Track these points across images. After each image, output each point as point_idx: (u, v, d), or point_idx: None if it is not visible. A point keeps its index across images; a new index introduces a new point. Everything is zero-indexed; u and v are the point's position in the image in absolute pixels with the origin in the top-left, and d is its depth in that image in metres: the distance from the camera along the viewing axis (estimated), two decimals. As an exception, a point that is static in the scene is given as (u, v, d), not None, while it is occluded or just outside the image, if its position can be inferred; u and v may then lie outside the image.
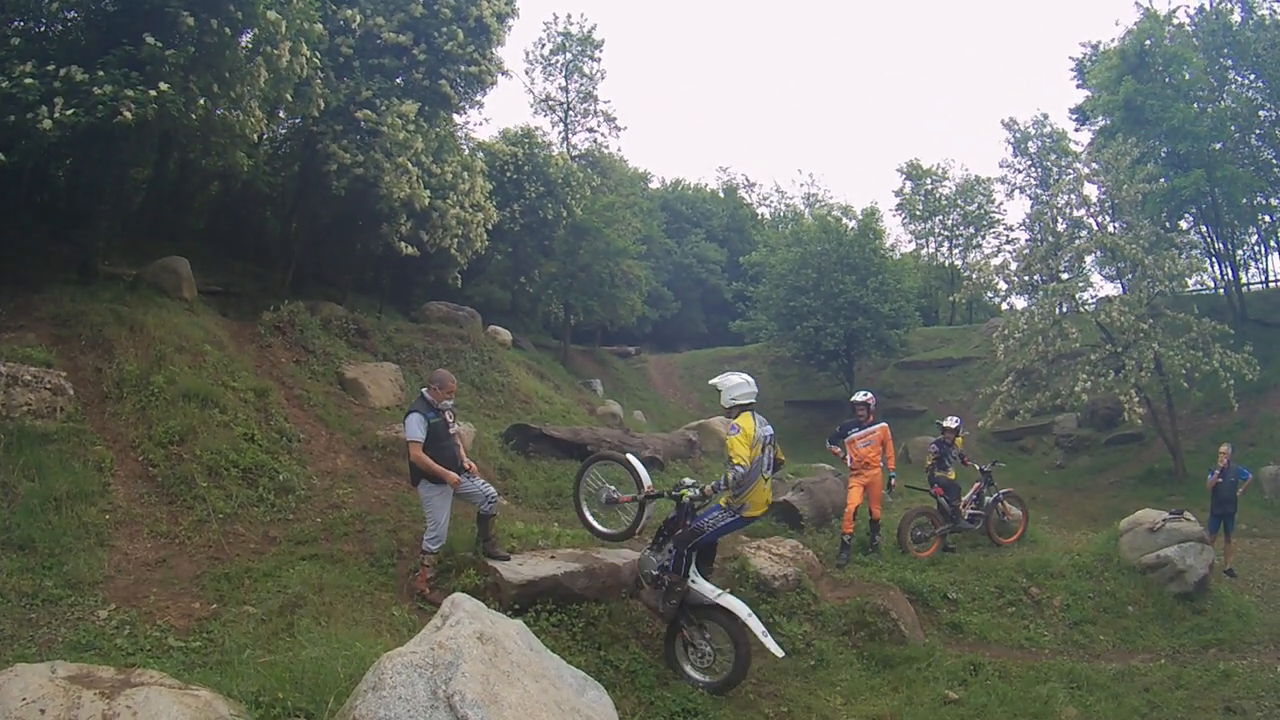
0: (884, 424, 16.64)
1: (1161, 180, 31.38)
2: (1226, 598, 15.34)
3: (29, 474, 12.05)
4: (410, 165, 23.80)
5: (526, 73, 51.63)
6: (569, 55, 48.96)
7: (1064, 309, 29.19)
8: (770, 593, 13.09)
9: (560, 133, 48.89)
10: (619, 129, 49.95)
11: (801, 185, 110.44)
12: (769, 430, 11.42)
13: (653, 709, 10.10)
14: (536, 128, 39.42)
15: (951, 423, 18.61)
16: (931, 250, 55.99)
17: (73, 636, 9.39)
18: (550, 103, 49.43)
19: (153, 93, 15.11)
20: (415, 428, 11.59)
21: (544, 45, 49.68)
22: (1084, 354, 28.16)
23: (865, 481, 16.04)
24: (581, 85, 49.27)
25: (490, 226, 29.28)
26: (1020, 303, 36.04)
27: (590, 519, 12.65)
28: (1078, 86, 42.05)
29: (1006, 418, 29.37)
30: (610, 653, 10.89)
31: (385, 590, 11.55)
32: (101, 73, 15.07)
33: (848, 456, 16.32)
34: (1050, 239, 30.96)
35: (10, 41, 15.57)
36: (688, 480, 11.87)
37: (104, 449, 13.34)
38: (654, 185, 61.46)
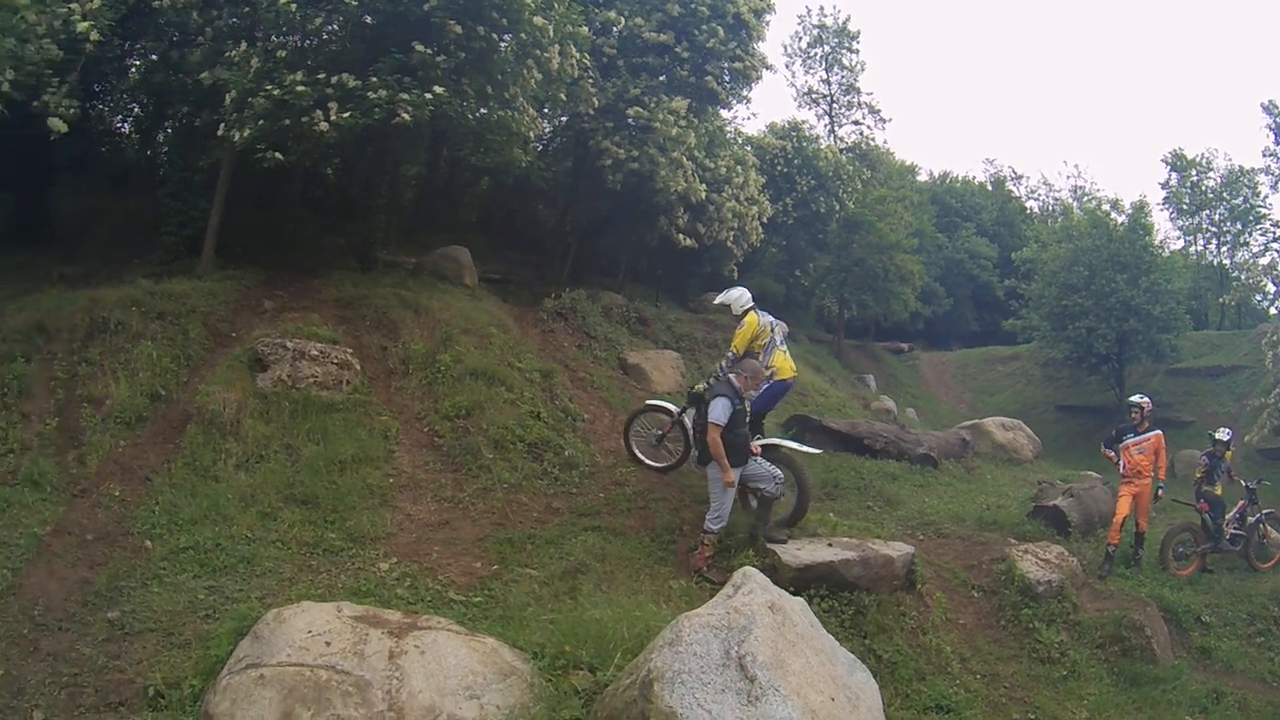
0: (1159, 432, 15.48)
1: None
2: None
3: (314, 439, 12.86)
4: (684, 160, 23.56)
5: (786, 66, 49.04)
6: (827, 47, 47.24)
7: None
8: (1033, 597, 12.54)
9: (826, 126, 47.38)
10: (884, 121, 48.28)
11: (1068, 177, 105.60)
12: (771, 318, 13.17)
13: (909, 701, 9.91)
14: (803, 121, 38.59)
15: (1224, 435, 16.67)
16: (1200, 247, 51.20)
17: (353, 584, 9.74)
18: (813, 96, 47.87)
19: (428, 96, 15.50)
20: (721, 411, 11.25)
21: (800, 38, 48.03)
22: None
23: (1135, 491, 14.98)
24: (843, 78, 47.48)
25: (764, 220, 28.48)
26: None
27: (645, 459, 13.64)
28: None
29: (1273, 433, 26.20)
30: (875, 642, 10.62)
31: (664, 564, 11.45)
32: (375, 79, 15.59)
33: (1121, 462, 15.25)
34: None
35: (277, 54, 16.34)
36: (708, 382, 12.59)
37: (389, 419, 13.92)
38: (922, 178, 58.76)
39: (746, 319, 12.74)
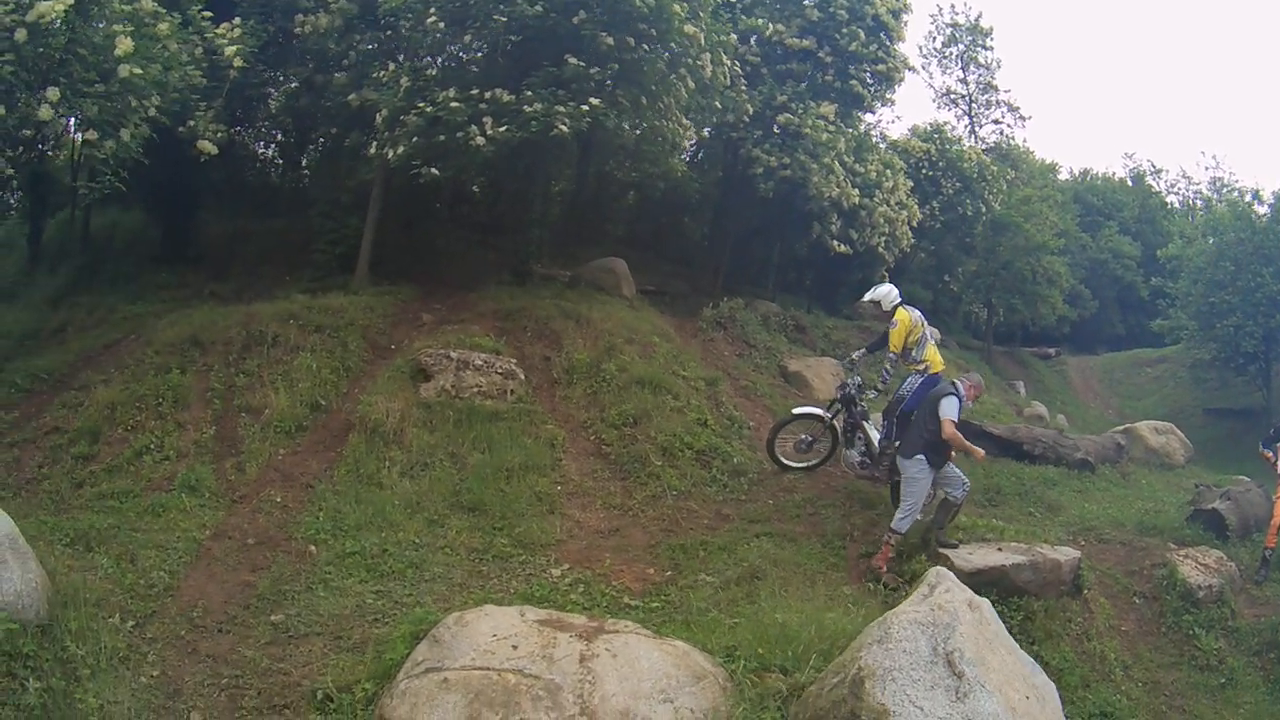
0: None
1: None
2: None
3: (479, 447, 12.65)
4: (835, 165, 22.85)
5: (923, 67, 47.46)
6: (961, 46, 45.90)
7: None
8: (1194, 603, 12.17)
9: (966, 126, 46.21)
10: (1024, 119, 47.11)
11: (1206, 169, 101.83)
12: (919, 312, 12.85)
13: (1075, 708, 9.61)
14: (944, 122, 37.69)
15: None
16: None
17: (525, 590, 9.42)
18: (951, 96, 46.76)
19: (584, 108, 15.36)
20: (954, 409, 11.12)
21: (935, 38, 46.79)
22: None
23: None
24: (979, 76, 46.20)
25: (914, 224, 27.42)
26: None
27: (790, 463, 13.61)
28: None
29: None
30: (1043, 648, 10.25)
31: (836, 570, 11.10)
32: (530, 93, 15.43)
33: (1278, 463, 14.35)
34: None
35: (426, 73, 16.72)
36: (849, 383, 13.01)
37: (555, 428, 13.72)
38: (1063, 176, 56.09)
39: (898, 315, 12.55)
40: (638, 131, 17.65)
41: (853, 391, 12.80)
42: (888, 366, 12.62)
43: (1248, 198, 36.42)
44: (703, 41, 17.01)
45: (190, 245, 20.72)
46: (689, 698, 6.63)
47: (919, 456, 11.02)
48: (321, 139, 21.13)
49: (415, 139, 15.46)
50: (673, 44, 16.56)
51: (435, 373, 13.75)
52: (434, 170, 15.57)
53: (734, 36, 19.68)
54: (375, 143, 16.30)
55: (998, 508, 14.77)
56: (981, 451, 11.41)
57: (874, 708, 5.86)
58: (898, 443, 11.89)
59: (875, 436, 12.68)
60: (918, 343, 12.53)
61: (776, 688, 6.89)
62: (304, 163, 23.54)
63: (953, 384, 11.46)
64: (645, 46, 16.21)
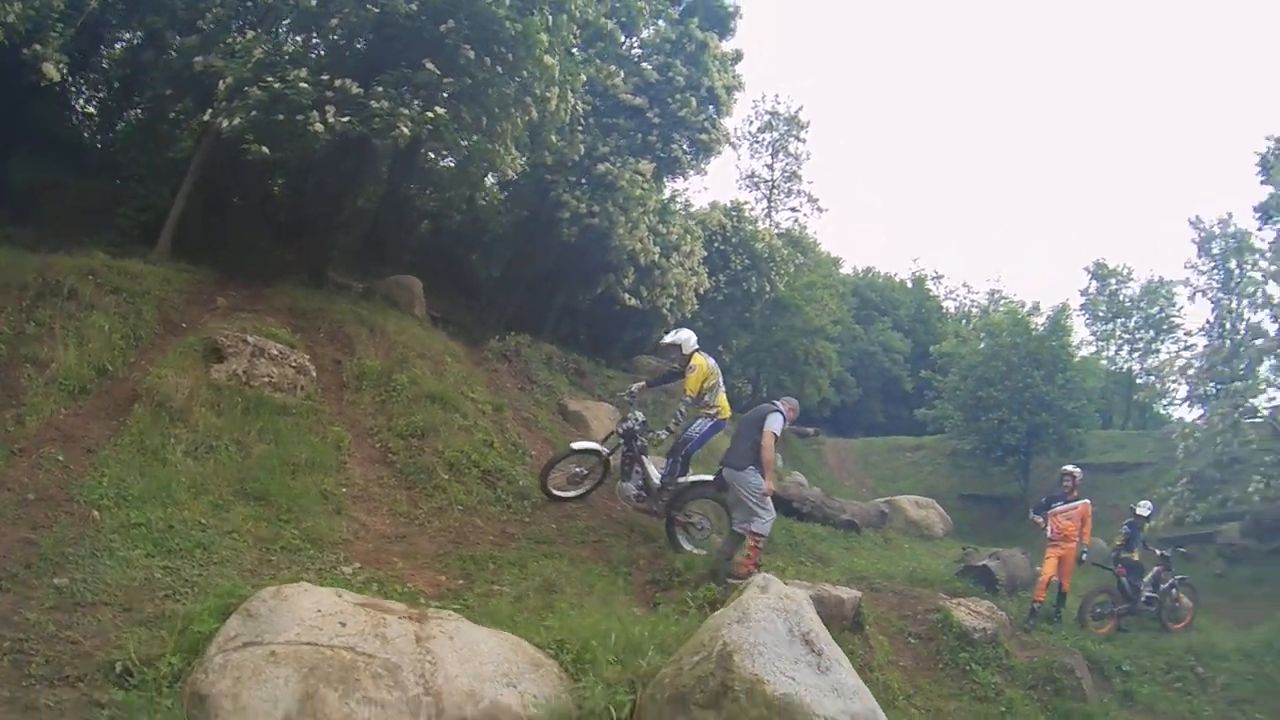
0: (1087, 501, 16.23)
1: None
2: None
3: (265, 438, 12.28)
4: (643, 221, 23.41)
5: (733, 147, 47.51)
6: (776, 134, 47.12)
7: (1239, 412, 26.48)
8: (970, 643, 13.11)
9: (764, 209, 47.11)
10: (821, 210, 48.66)
11: (987, 280, 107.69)
12: (713, 361, 13.69)
13: None
14: (745, 202, 38.43)
15: (1145, 509, 17.92)
16: (1111, 353, 51.31)
17: (319, 582, 8.79)
18: (755, 179, 47.81)
19: (429, 114, 15.17)
20: (779, 424, 12.14)
21: (752, 122, 47.74)
22: (1256, 459, 25.65)
23: (1061, 554, 15.67)
24: (787, 164, 47.45)
25: (700, 291, 27.89)
26: (1192, 412, 33.86)
27: (558, 493, 13.79)
28: (1262, 182, 38.30)
29: (1174, 523, 26.54)
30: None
31: (625, 593, 11.44)
32: (380, 89, 15.18)
33: (1048, 527, 15.97)
34: (1231, 340, 28.95)
35: (283, 48, 16.24)
36: (631, 419, 13.52)
37: (342, 430, 13.55)
38: (845, 271, 57.77)
39: (697, 360, 13.27)
40: (466, 151, 17.42)
41: (635, 427, 13.30)
42: (681, 409, 13.23)
43: (1026, 308, 39.75)
44: (556, 75, 17.08)
45: (-3, 185, 19.64)
46: (530, 684, 6.68)
47: (750, 467, 11.93)
48: (148, 101, 20.07)
49: (254, 113, 14.83)
50: (524, 71, 16.49)
51: (230, 355, 13.28)
52: (264, 149, 14.95)
53: (584, 77, 19.84)
54: (211, 110, 15.64)
55: (769, 556, 14.85)
56: (772, 485, 12.15)
57: (746, 678, 6.10)
58: (681, 479, 13.04)
59: (654, 472, 13.20)
60: (712, 389, 13.26)
61: (616, 676, 6.94)
62: (122, 122, 22.12)
63: (773, 404, 12.46)
64: (499, 68, 16.14)
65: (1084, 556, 15.99)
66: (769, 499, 12.12)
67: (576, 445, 14.11)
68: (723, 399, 13.54)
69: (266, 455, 11.75)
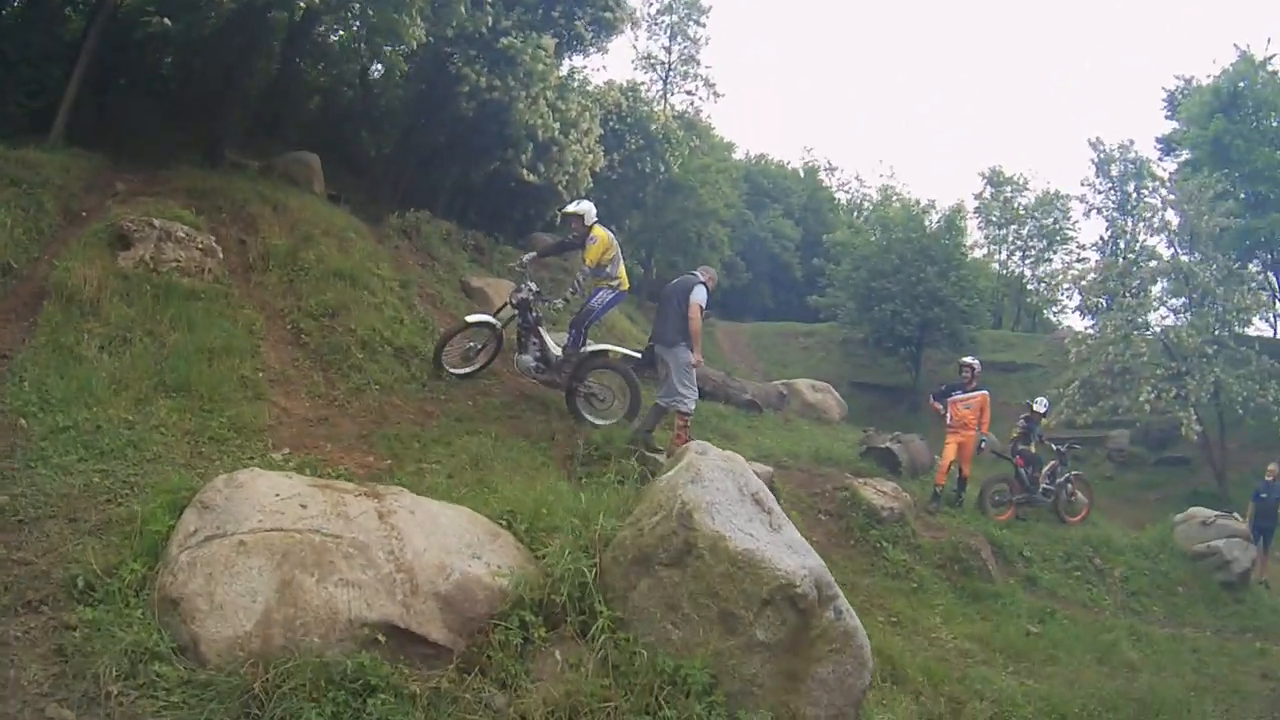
0: (985, 391, 16.89)
1: (1238, 219, 30.61)
2: (1264, 596, 16.43)
3: (177, 326, 11.82)
4: (543, 97, 23.18)
5: (634, 27, 46.88)
6: (676, 16, 46.97)
7: (1131, 326, 28.11)
8: (878, 521, 13.71)
9: (659, 91, 47.15)
10: (718, 95, 48.46)
11: (880, 176, 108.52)
12: (613, 233, 13.54)
13: None
14: (640, 83, 38.10)
15: (1040, 406, 18.48)
16: (1003, 258, 53.09)
17: (243, 467, 8.47)
18: (651, 60, 47.76)
19: None
20: (703, 297, 12.29)
21: (651, 3, 47.55)
22: (1147, 371, 27.13)
23: (960, 440, 16.37)
24: (685, 48, 47.48)
25: (595, 170, 27.73)
26: (1083, 321, 35.85)
27: (453, 370, 13.75)
28: (1167, 118, 40.36)
29: (1065, 424, 28.03)
30: None
31: (547, 467, 11.31)
32: None
33: (948, 415, 16.60)
34: (1126, 258, 30.37)
35: None
36: (524, 288, 13.47)
37: (253, 313, 13.19)
38: (738, 157, 57.45)
39: (597, 232, 13.16)
40: (373, 21, 16.89)
41: (528, 297, 13.27)
42: (579, 278, 13.27)
43: (922, 204, 40.24)
44: None
45: None
46: (492, 554, 6.63)
47: (682, 343, 12.16)
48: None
49: (154, -17, 13.81)
50: None
51: (136, 240, 12.80)
52: (166, 20, 14.18)
53: None
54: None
55: (665, 430, 15.32)
56: (700, 356, 12.45)
57: (709, 534, 6.20)
58: (584, 348, 13.20)
59: (551, 344, 13.30)
60: (612, 260, 13.24)
61: (573, 542, 6.84)
62: (8, 4, 20.74)
63: (694, 275, 12.57)
64: None
65: (983, 445, 16.84)
66: (694, 377, 12.39)
67: (471, 318, 14.11)
68: (623, 271, 13.60)
69: (181, 344, 11.35)
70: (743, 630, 6.08)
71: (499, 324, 13.72)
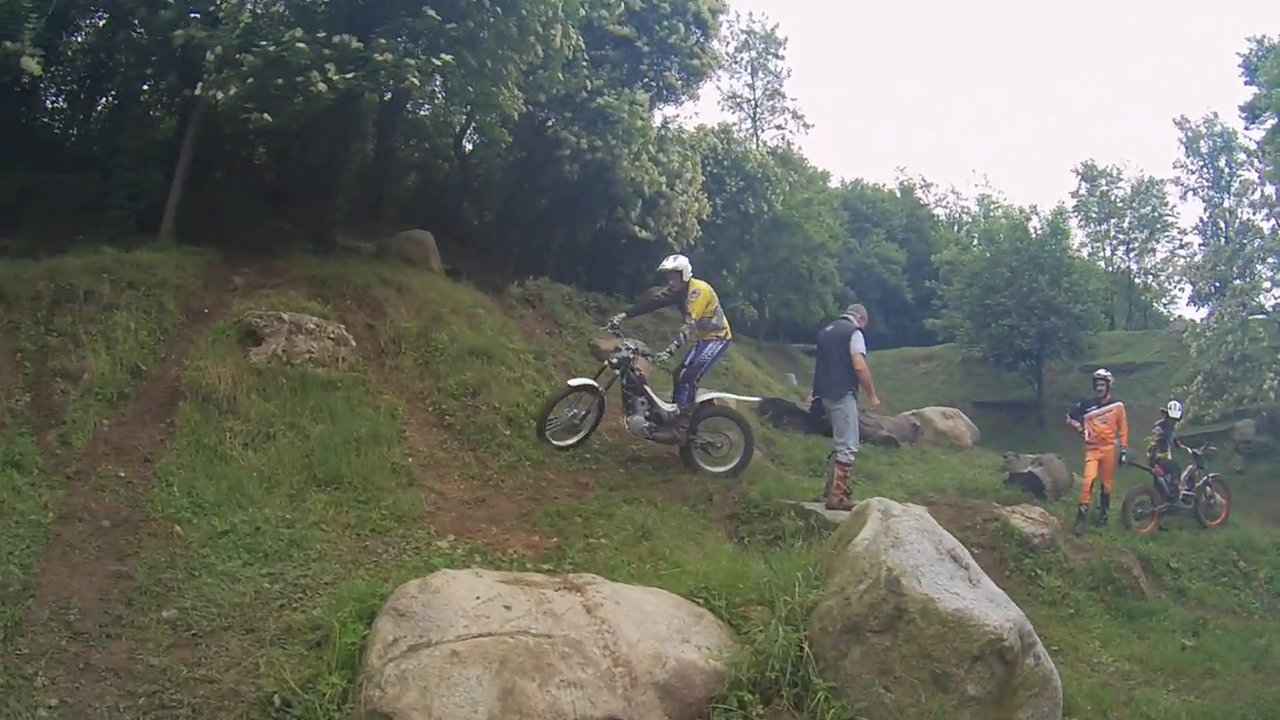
0: (1120, 404, 16.57)
1: None
2: None
3: (319, 418, 11.52)
4: (644, 151, 22.99)
5: (724, 70, 45.67)
6: (754, 53, 46.04)
7: (1247, 311, 26.82)
8: (1031, 549, 13.26)
9: (749, 130, 46.24)
10: (807, 126, 47.83)
11: (976, 186, 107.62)
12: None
13: None
14: (731, 124, 37.82)
15: (1175, 410, 18.01)
16: (1107, 254, 51.98)
17: (420, 561, 8.52)
18: (737, 99, 46.84)
19: (436, 62, 14.32)
20: (862, 342, 12.26)
21: (728, 42, 45.74)
22: (1267, 356, 25.86)
23: (1100, 456, 15.98)
24: (768, 83, 46.53)
25: (702, 218, 27.35)
26: (1198, 311, 34.52)
27: (557, 443, 13.06)
28: (1246, 83, 37.83)
29: (1192, 421, 26.39)
30: None
31: (709, 530, 11.37)
32: (384, 40, 14.25)
33: (1085, 431, 16.29)
34: (1227, 239, 29.63)
35: (272, 9, 15.24)
36: (622, 348, 13.16)
37: (393, 398, 12.83)
38: (833, 184, 56.41)
39: (699, 285, 13.20)
40: (473, 96, 16.57)
41: (629, 355, 12.99)
42: (685, 332, 13.21)
43: (1023, 212, 40.04)
44: (559, 10, 16.37)
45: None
46: (699, 636, 6.46)
47: (848, 395, 12.23)
48: (120, 85, 18.97)
49: (250, 80, 13.79)
50: (523, 10, 15.71)
51: (266, 335, 12.50)
52: (266, 116, 13.96)
53: (583, 11, 19.04)
54: (201, 84, 14.63)
55: (819, 478, 14.90)
56: (877, 400, 13.05)
57: (918, 598, 6.24)
58: (701, 400, 13.15)
59: (659, 400, 13.01)
60: (715, 311, 13.20)
61: (763, 619, 6.68)
62: (94, 112, 20.90)
63: (846, 318, 12.58)
64: (498, 8, 15.35)
65: (1124, 457, 16.27)
66: (857, 429, 12.50)
67: (574, 382, 13.58)
68: (725, 320, 13.56)
69: (326, 436, 11.00)
70: (954, 687, 6.10)
71: (602, 387, 13.29)
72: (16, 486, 8.46)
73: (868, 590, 6.37)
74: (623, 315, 13.88)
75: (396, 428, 11.93)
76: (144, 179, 16.54)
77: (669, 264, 13.41)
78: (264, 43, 13.73)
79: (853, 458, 12.37)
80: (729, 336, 13.55)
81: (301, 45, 13.61)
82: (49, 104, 21.14)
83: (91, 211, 16.81)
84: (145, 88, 18.41)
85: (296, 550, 8.22)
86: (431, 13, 14.17)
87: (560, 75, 18.95)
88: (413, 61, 14.08)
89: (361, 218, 22.25)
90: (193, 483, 9.23)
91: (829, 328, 12.98)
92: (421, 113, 23.81)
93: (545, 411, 13.03)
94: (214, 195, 19.15)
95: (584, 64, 20.77)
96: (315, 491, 9.81)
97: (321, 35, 13.97)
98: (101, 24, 17.40)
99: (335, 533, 8.93)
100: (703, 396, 13.24)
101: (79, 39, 18.14)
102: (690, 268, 13.31)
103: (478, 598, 6.26)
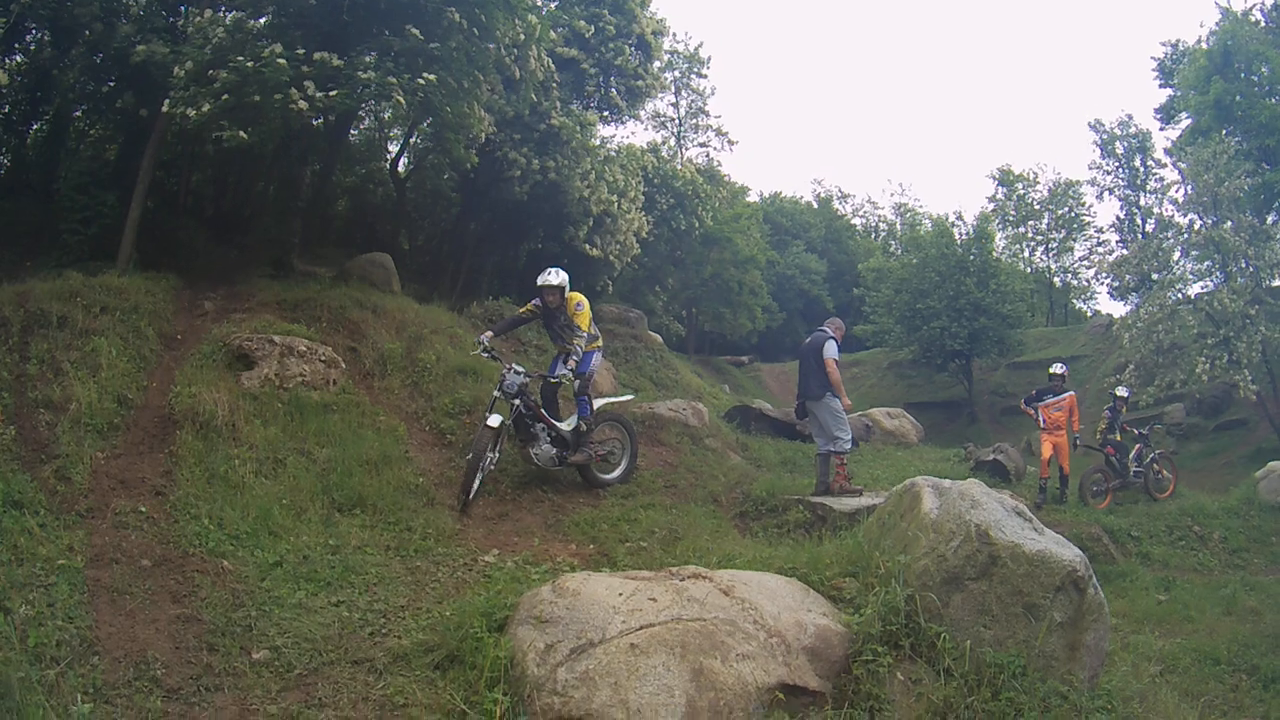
0: (1073, 393, 17.48)
1: (1252, 178, 29.51)
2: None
3: (323, 442, 11.08)
4: (593, 171, 22.69)
5: (665, 90, 46.48)
6: (678, 72, 45.40)
7: (1175, 301, 27.61)
8: None
9: (673, 148, 45.51)
10: (731, 144, 47.68)
11: (892, 195, 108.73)
12: None
13: None
14: (659, 142, 37.37)
15: (1123, 392, 19.24)
16: (1026, 255, 52.90)
17: (473, 576, 8.32)
18: (661, 119, 46.04)
19: (421, 81, 13.97)
20: (834, 351, 12.82)
21: (654, 62, 46.00)
22: (1195, 343, 26.65)
23: (1055, 440, 16.88)
24: (692, 101, 46.01)
25: (640, 235, 26.82)
26: (1120, 307, 35.13)
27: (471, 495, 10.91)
28: (1161, 86, 39.53)
29: (1127, 409, 26.77)
30: None
31: (723, 527, 11.56)
32: (369, 58, 14.21)
33: (1040, 418, 17.13)
34: (1160, 237, 29.79)
35: (247, 25, 14.67)
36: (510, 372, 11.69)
37: (390, 419, 12.41)
38: (752, 198, 56.44)
39: (579, 297, 12.45)
40: (450, 112, 15.62)
41: (524, 380, 11.57)
42: (580, 345, 12.08)
43: (949, 219, 40.50)
44: (537, 33, 16.33)
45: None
46: (816, 605, 6.76)
47: (826, 394, 12.72)
48: (57, 105, 17.85)
49: (225, 96, 13.07)
50: (497, 32, 15.47)
51: (258, 359, 11.94)
52: (242, 134, 13.16)
53: (553, 34, 19.15)
54: (168, 101, 13.74)
55: (796, 476, 15.36)
56: (849, 401, 13.16)
57: (1007, 544, 6.76)
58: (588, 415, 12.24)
59: (559, 422, 12.07)
60: (592, 319, 12.65)
61: (854, 590, 7.01)
62: (31, 134, 19.27)
63: (823, 330, 13.21)
64: (475, 30, 15.05)
65: (1078, 442, 17.36)
66: (846, 421, 12.90)
67: (492, 423, 10.97)
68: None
69: (335, 459, 10.48)
70: (1043, 615, 6.65)
71: (508, 420, 11.40)
72: (28, 529, 7.44)
73: (961, 544, 6.87)
74: (490, 334, 12.16)
75: (401, 449, 11.54)
76: (96, 201, 15.77)
77: (553, 279, 12.15)
78: (240, 58, 13.09)
79: (849, 446, 12.88)
80: (601, 345, 13.16)
81: (281, 61, 13.06)
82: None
83: (35, 237, 16.10)
84: (85, 109, 17.69)
85: (355, 576, 7.64)
86: (415, 31, 13.86)
87: (533, 96, 19.03)
88: (395, 80, 13.66)
89: (311, 243, 21.61)
90: (218, 514, 8.51)
91: (808, 340, 13.44)
92: (350, 135, 22.96)
93: (474, 464, 10.74)
94: (166, 219, 18.39)
95: (534, 86, 20.26)
96: (341, 516, 9.37)
97: (300, 52, 13.44)
98: (45, 41, 16.32)
99: (380, 556, 8.43)
100: (600, 402, 12.69)
101: (15, 60, 16.90)
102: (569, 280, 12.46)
103: (620, 594, 6.38)
